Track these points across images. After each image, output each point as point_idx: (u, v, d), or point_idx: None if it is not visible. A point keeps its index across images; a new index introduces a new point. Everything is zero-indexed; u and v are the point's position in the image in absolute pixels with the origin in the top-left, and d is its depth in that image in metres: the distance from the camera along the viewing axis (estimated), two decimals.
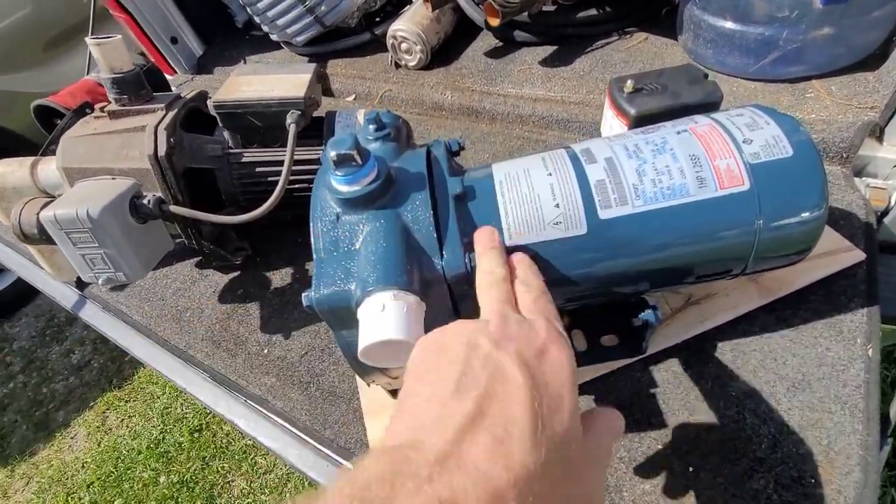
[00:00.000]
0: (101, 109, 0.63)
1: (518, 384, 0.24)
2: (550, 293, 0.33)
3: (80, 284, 0.80)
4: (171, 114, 0.61)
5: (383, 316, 0.32)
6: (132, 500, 1.55)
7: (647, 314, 0.45)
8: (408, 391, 0.27)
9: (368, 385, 0.47)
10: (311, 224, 0.39)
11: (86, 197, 0.52)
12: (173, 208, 0.56)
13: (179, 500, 1.52)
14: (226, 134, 0.67)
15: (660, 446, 0.46)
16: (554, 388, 0.25)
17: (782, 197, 0.38)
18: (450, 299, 0.38)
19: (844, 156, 0.65)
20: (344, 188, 0.38)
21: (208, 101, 0.63)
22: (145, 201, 0.54)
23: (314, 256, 0.38)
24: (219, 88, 0.66)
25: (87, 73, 1.16)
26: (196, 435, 1.67)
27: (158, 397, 1.80)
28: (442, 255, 0.37)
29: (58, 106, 0.90)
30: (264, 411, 0.58)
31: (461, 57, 1.04)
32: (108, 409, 1.83)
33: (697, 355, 0.51)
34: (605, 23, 0.95)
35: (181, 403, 1.77)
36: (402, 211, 0.39)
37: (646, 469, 0.45)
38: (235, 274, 0.75)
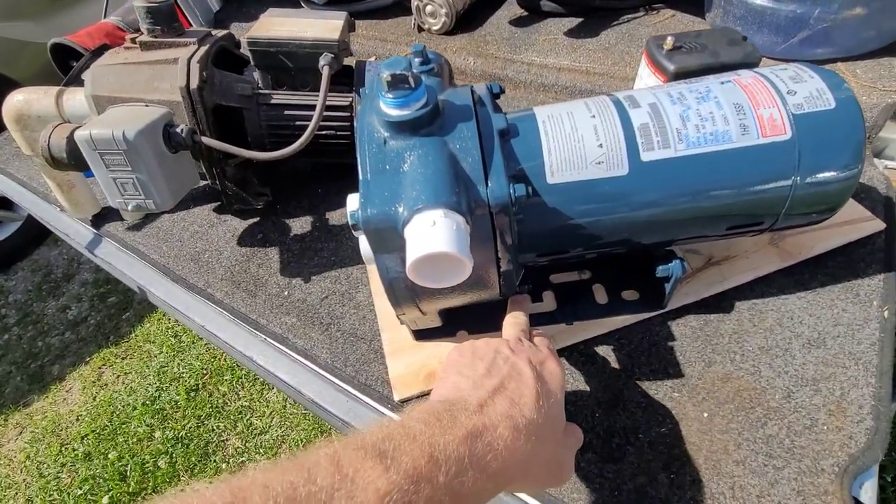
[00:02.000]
0: (133, 40, 0.62)
1: (528, 375, 0.35)
2: (586, 235, 0.42)
3: (97, 222, 0.79)
4: (204, 48, 0.61)
5: (434, 231, 0.33)
6: (126, 453, 1.56)
7: (673, 265, 0.46)
8: (445, 377, 0.37)
9: (399, 318, 0.48)
10: (358, 147, 0.39)
11: (120, 120, 0.51)
12: (205, 140, 0.56)
13: (174, 455, 1.53)
14: (256, 75, 0.66)
15: (676, 394, 0.47)
16: (550, 385, 0.36)
17: (822, 149, 0.39)
18: (491, 228, 0.39)
19: (867, 136, 0.66)
20: (394, 111, 0.38)
21: (241, 39, 0.62)
22: (178, 130, 0.54)
23: (360, 178, 0.39)
24: (250, 29, 0.65)
25: (105, 17, 1.14)
26: (192, 394, 1.68)
27: (156, 356, 1.80)
28: (487, 185, 0.38)
29: (76, 45, 0.89)
30: (284, 349, 0.59)
31: (486, 24, 1.03)
32: (104, 365, 1.83)
33: (715, 313, 0.52)
34: None
35: (178, 363, 1.77)
36: (449, 139, 0.39)
37: (661, 413, 0.46)
38: (254, 220, 0.75)
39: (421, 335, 0.54)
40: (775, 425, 0.44)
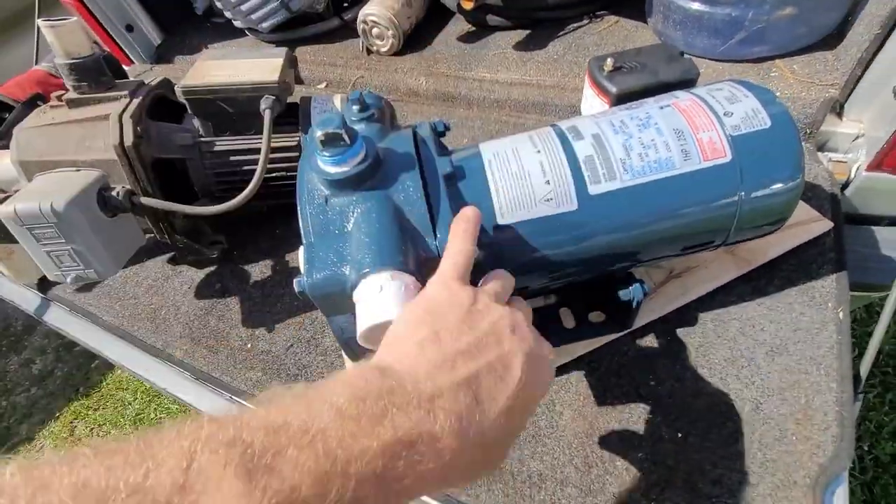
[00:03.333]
0: (59, 98, 0.59)
1: (514, 376, 0.27)
2: (543, 270, 0.34)
3: (43, 286, 0.75)
4: (136, 101, 0.58)
5: (381, 297, 0.32)
6: None
7: (634, 289, 0.46)
8: (412, 324, 0.29)
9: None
10: (299, 208, 0.38)
11: (49, 190, 0.48)
12: (144, 200, 0.54)
13: None
14: (196, 122, 0.64)
15: (649, 415, 0.47)
16: (533, 395, 0.29)
17: (762, 167, 0.40)
18: None
19: (808, 131, 0.68)
20: (332, 169, 0.37)
21: (176, 88, 0.60)
22: (114, 193, 0.51)
23: (304, 241, 0.37)
24: (185, 75, 0.63)
25: (36, 63, 1.09)
26: None
27: (130, 403, 1.73)
28: (435, 235, 0.37)
29: (5, 98, 0.84)
30: (251, 406, 0.56)
31: (434, 42, 1.02)
32: (75, 419, 1.75)
33: (681, 327, 0.52)
34: (576, 6, 0.95)
35: (154, 409, 1.71)
36: (392, 192, 0.38)
37: (637, 437, 0.46)
38: (211, 268, 0.72)
39: None
40: (747, 440, 0.44)
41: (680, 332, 0.52)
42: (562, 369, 0.52)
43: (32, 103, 0.66)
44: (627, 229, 0.41)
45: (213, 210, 0.54)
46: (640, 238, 0.41)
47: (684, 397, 0.48)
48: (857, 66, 0.66)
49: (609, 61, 0.52)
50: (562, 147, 0.41)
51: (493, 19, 0.98)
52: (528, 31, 0.97)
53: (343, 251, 0.36)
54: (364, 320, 0.32)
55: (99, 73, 0.58)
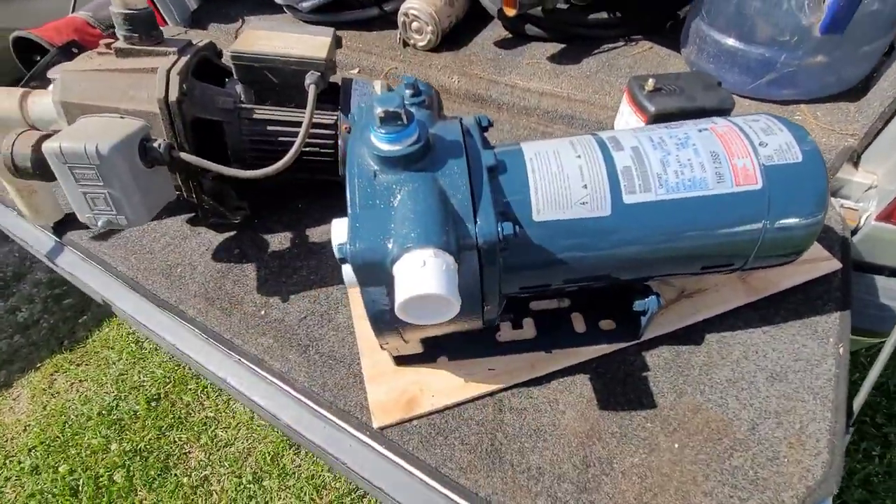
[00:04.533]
0: (108, 46, 0.60)
1: None
2: (568, 271, 0.35)
3: (59, 230, 0.75)
4: (184, 59, 0.59)
5: (424, 271, 0.33)
6: (79, 466, 1.48)
7: (649, 301, 0.48)
8: None
9: (382, 347, 0.48)
10: (348, 179, 0.39)
11: (93, 133, 0.49)
12: (184, 155, 0.54)
13: (131, 468, 1.46)
14: (238, 89, 0.65)
15: (649, 424, 0.49)
16: None
17: (790, 198, 0.42)
18: (478, 264, 0.39)
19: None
20: (385, 146, 0.38)
21: (225, 52, 0.61)
22: (156, 145, 0.52)
23: (349, 211, 0.38)
24: (233, 42, 0.64)
25: (73, 11, 1.10)
26: (153, 404, 1.61)
27: (114, 363, 1.72)
28: (475, 222, 0.39)
29: (41, 40, 0.85)
30: (260, 371, 0.57)
31: (471, 44, 1.04)
32: (56, 372, 1.73)
33: (687, 344, 0.54)
34: (614, 27, 0.98)
35: (139, 371, 1.70)
36: (439, 175, 0.39)
37: (635, 444, 0.48)
38: (230, 233, 0.73)
39: (402, 360, 0.54)
40: (741, 457, 0.46)
41: (686, 349, 0.54)
42: (568, 371, 0.53)
43: (68, 49, 0.67)
44: (654, 242, 0.42)
45: (249, 174, 0.56)
46: (664, 252, 0.43)
47: (685, 411, 0.49)
48: (878, 120, 0.69)
49: (651, 81, 0.54)
50: (602, 155, 0.43)
51: (531, 29, 1.01)
52: (563, 46, 0.99)
53: (387, 225, 0.37)
54: (404, 292, 0.33)
55: (151, 27, 0.59)
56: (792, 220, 0.42)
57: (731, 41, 0.79)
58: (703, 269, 0.46)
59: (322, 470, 1.39)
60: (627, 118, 0.57)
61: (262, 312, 0.63)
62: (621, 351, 0.54)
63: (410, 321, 0.35)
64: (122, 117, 0.54)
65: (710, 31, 0.81)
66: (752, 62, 0.78)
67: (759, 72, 0.77)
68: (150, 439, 1.52)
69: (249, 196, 0.73)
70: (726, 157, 0.42)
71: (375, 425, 0.51)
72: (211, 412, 1.56)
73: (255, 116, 0.64)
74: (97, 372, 1.71)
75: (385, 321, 0.41)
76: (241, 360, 0.59)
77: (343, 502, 1.33)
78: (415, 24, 1.02)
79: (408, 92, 0.45)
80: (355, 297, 0.61)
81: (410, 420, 0.51)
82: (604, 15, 0.97)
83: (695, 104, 0.52)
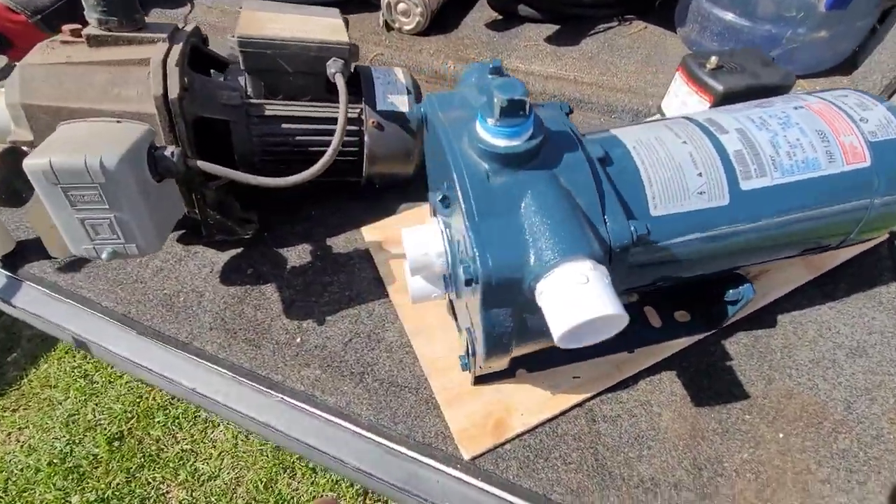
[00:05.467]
0: (75, 33, 0.48)
1: None
2: (681, 266, 0.31)
3: (9, 263, 0.61)
4: (178, 47, 0.49)
5: (589, 290, 0.28)
6: None
7: (744, 289, 0.46)
8: None
9: (475, 371, 0.42)
10: (458, 182, 0.33)
11: (90, 143, 0.38)
12: (201, 164, 0.45)
13: None
14: (241, 81, 0.55)
15: (747, 416, 0.48)
16: None
17: (893, 174, 0.41)
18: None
19: None
20: (503, 142, 0.32)
21: (230, 38, 0.51)
22: (167, 153, 0.42)
23: (467, 222, 0.32)
24: (237, 25, 0.53)
25: None
26: (116, 444, 1.43)
27: (60, 403, 1.51)
28: (605, 223, 0.34)
29: None
30: (310, 409, 0.49)
31: (461, 26, 0.98)
32: None
33: (761, 328, 0.53)
34: (607, 6, 0.96)
35: (93, 409, 1.50)
36: (558, 173, 0.34)
37: (739, 439, 0.46)
38: (235, 251, 0.63)
39: (481, 380, 0.48)
40: (846, 438, 0.45)
41: (762, 333, 0.53)
42: (652, 370, 0.51)
43: None
44: (769, 228, 0.40)
45: (282, 182, 0.47)
46: (775, 238, 0.41)
47: (778, 398, 0.48)
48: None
49: (713, 59, 0.51)
50: (709, 140, 0.39)
51: (524, 10, 0.96)
52: (556, 27, 0.96)
53: (520, 236, 0.31)
54: (572, 316, 0.28)
55: (132, 9, 0.48)
56: (894, 196, 0.41)
57: (737, 18, 0.79)
58: (804, 252, 0.45)
59: (324, 490, 1.31)
60: (685, 99, 0.55)
61: (298, 340, 0.54)
62: (699, 342, 0.52)
63: (566, 346, 0.30)
64: (118, 121, 0.43)
65: (712, 9, 0.81)
66: (757, 39, 0.78)
67: (764, 48, 0.78)
68: (118, 484, 1.35)
69: (252, 205, 0.63)
70: (833, 135, 0.40)
71: (466, 456, 0.45)
72: (187, 444, 1.41)
73: (266, 113, 0.54)
74: (40, 416, 1.49)
75: (503, 345, 0.35)
76: (285, 398, 0.50)
77: None
78: (401, 6, 0.94)
79: (490, 77, 0.39)
80: (407, 312, 0.55)
81: (502, 445, 0.46)
82: None
83: (760, 81, 0.51)
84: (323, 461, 0.48)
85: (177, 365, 0.53)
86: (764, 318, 0.54)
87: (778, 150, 0.39)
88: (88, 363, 1.62)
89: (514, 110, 0.31)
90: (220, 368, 0.53)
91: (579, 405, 0.48)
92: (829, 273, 0.56)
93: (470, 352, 0.40)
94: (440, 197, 0.38)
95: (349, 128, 0.57)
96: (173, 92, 0.46)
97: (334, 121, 0.56)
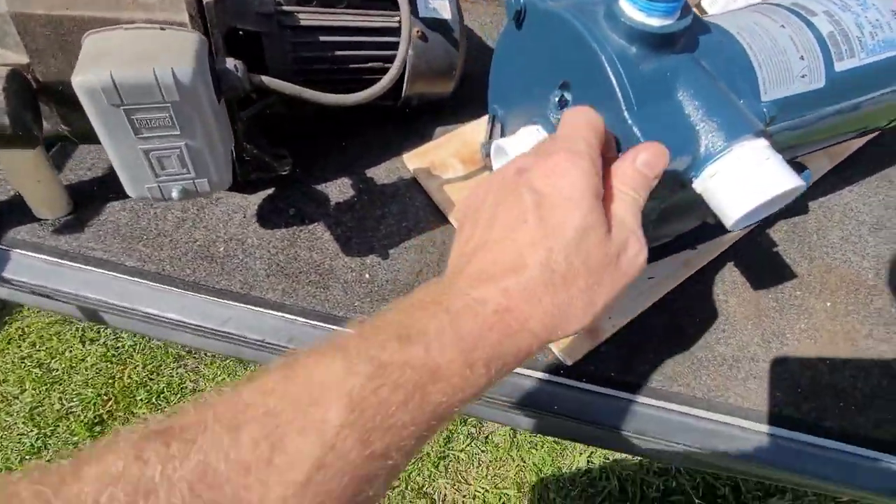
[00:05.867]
0: None
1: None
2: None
3: None
4: None
5: (770, 166, 0.28)
6: None
7: (804, 174, 0.49)
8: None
9: None
10: (609, 68, 0.31)
11: (148, 53, 0.31)
12: (266, 79, 0.38)
13: None
14: None
15: (798, 292, 0.53)
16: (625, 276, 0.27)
17: None
18: None
19: None
20: (657, 21, 0.30)
21: None
22: (230, 66, 0.35)
23: (625, 112, 0.30)
24: None
25: None
26: (98, 428, 1.33)
27: (16, 397, 1.36)
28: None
29: None
30: None
31: None
32: None
33: (797, 216, 0.58)
34: None
35: (58, 397, 1.37)
36: (698, 56, 0.33)
37: (795, 312, 0.51)
38: (265, 193, 0.56)
39: None
40: (879, 300, 0.52)
41: (798, 219, 0.58)
42: (713, 263, 0.54)
43: None
44: (852, 109, 0.42)
45: (351, 99, 0.41)
46: (854, 117, 0.43)
47: (820, 273, 0.54)
48: None
49: None
50: (804, 23, 0.40)
51: None
52: None
53: (683, 121, 0.30)
54: (758, 194, 0.28)
55: None
56: None
57: None
58: (860, 134, 0.48)
59: None
60: None
61: (367, 276, 0.51)
62: (748, 233, 0.56)
63: (737, 228, 0.30)
64: (161, 28, 0.35)
65: None
66: None
67: None
68: None
69: (276, 141, 0.56)
70: None
71: (569, 362, 0.47)
72: None
73: (302, 23, 0.47)
74: None
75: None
76: None
77: None
78: None
79: None
80: None
81: (598, 348, 0.48)
82: None
83: None
84: None
85: (241, 318, 0.49)
86: (796, 206, 0.59)
87: (863, 31, 0.41)
88: (39, 351, 1.46)
89: None
90: (289, 316, 0.49)
91: (658, 303, 0.51)
92: (846, 160, 0.62)
93: None
94: (558, 98, 0.35)
95: (387, 39, 0.52)
96: None
97: (376, 31, 0.50)
